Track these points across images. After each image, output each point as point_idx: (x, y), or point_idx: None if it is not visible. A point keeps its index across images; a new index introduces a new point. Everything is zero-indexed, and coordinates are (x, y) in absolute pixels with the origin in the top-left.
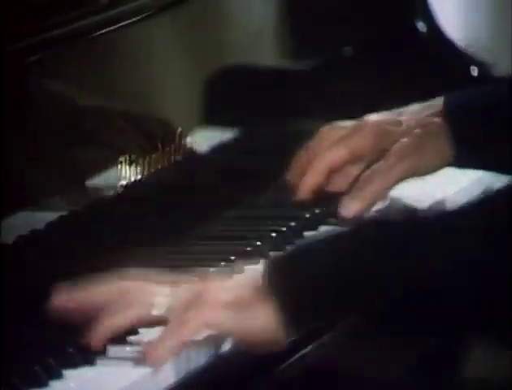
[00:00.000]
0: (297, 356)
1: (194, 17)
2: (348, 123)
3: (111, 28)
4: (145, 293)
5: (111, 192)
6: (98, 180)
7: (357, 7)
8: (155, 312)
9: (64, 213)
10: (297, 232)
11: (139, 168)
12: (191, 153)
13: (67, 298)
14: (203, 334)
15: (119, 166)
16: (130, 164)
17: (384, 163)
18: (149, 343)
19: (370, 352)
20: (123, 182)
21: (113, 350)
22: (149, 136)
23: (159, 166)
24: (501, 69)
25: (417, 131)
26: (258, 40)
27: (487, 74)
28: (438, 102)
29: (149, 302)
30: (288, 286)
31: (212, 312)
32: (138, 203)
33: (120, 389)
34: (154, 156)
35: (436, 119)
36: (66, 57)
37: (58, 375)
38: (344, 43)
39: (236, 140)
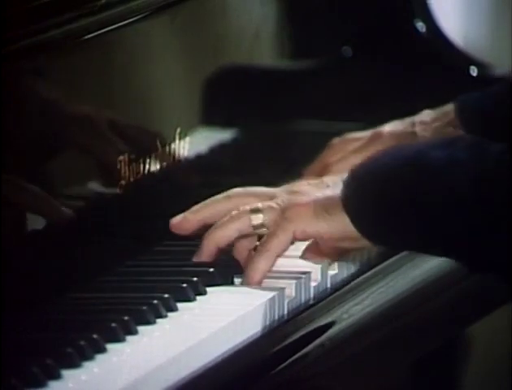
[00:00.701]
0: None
1: (192, 17)
2: (360, 134)
3: (109, 28)
4: (243, 211)
5: (111, 192)
6: (97, 180)
7: (356, 7)
8: (254, 222)
9: (62, 214)
10: None
11: (138, 168)
12: (190, 153)
13: (183, 221)
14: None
15: (119, 165)
16: (129, 164)
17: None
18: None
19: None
20: (123, 182)
21: (113, 349)
22: (148, 135)
23: (159, 166)
24: (500, 69)
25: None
26: (257, 40)
27: (486, 74)
28: (449, 109)
29: (248, 213)
30: (358, 205)
31: (299, 222)
32: (138, 202)
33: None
34: (153, 156)
35: (451, 129)
36: (64, 58)
37: (56, 376)
38: (343, 43)
39: (234, 141)
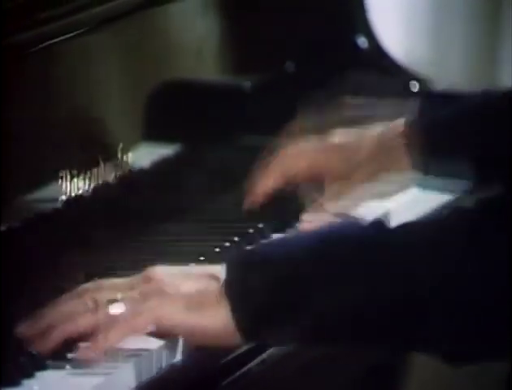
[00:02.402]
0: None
1: (134, 32)
2: (313, 140)
3: (50, 41)
4: (101, 292)
5: (51, 207)
6: (39, 195)
7: (298, 22)
8: (113, 310)
9: (4, 228)
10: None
11: (80, 183)
12: (132, 169)
13: (34, 325)
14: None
15: (60, 180)
16: (71, 179)
17: None
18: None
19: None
20: (64, 197)
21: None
22: (90, 150)
23: (100, 182)
24: (441, 84)
25: (375, 156)
26: (199, 55)
27: (427, 89)
28: (398, 124)
29: (105, 305)
30: (243, 291)
31: (167, 306)
32: (79, 218)
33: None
34: (94, 171)
35: (396, 141)
36: (4, 71)
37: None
38: (286, 58)
39: (177, 156)
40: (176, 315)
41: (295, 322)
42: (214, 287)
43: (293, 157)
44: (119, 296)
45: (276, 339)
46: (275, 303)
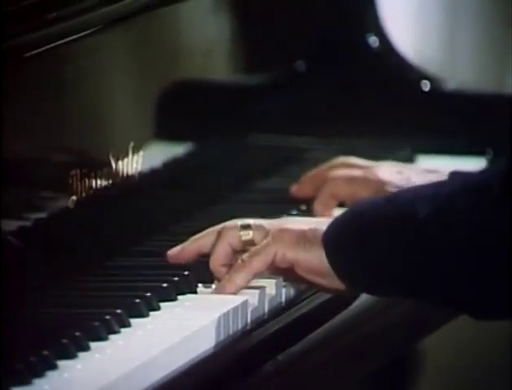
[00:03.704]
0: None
1: (145, 32)
2: (361, 163)
3: (61, 41)
4: (234, 226)
5: (62, 207)
6: (50, 194)
7: (309, 22)
8: (243, 238)
9: (15, 227)
10: None
11: (90, 183)
12: (143, 168)
13: (180, 253)
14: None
15: (70, 180)
16: (82, 178)
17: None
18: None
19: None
20: (74, 197)
21: (64, 366)
22: (101, 150)
23: (111, 181)
24: (452, 83)
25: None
26: (210, 54)
27: (438, 88)
28: (443, 170)
29: (237, 233)
30: (339, 239)
31: (281, 245)
32: (90, 217)
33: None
34: (105, 170)
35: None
36: (15, 72)
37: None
38: (297, 58)
39: (188, 155)
40: (288, 253)
41: (387, 267)
42: (320, 229)
43: (341, 182)
44: (251, 222)
45: (368, 284)
46: (367, 249)
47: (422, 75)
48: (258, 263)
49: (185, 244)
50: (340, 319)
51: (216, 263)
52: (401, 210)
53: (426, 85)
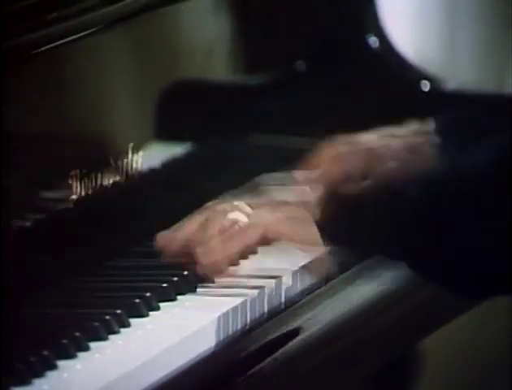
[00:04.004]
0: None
1: (145, 32)
2: (346, 141)
3: (61, 41)
4: (222, 210)
5: (62, 207)
6: (50, 194)
7: (309, 22)
8: (231, 216)
9: (15, 227)
10: None
11: (90, 183)
12: (143, 168)
13: (168, 241)
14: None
15: (70, 180)
16: (81, 179)
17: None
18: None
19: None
20: (74, 196)
21: (64, 366)
22: (101, 150)
23: (111, 181)
24: (451, 83)
25: (406, 157)
26: (210, 54)
27: (438, 88)
28: (425, 126)
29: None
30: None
31: (274, 220)
32: (90, 217)
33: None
34: (105, 170)
35: (425, 145)
36: (14, 72)
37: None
38: (297, 58)
39: (187, 155)
40: (280, 226)
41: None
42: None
43: (328, 161)
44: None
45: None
46: (357, 215)
47: (422, 75)
48: (252, 234)
49: (172, 231)
50: (340, 319)
51: (185, 236)
52: (391, 186)
53: (426, 85)
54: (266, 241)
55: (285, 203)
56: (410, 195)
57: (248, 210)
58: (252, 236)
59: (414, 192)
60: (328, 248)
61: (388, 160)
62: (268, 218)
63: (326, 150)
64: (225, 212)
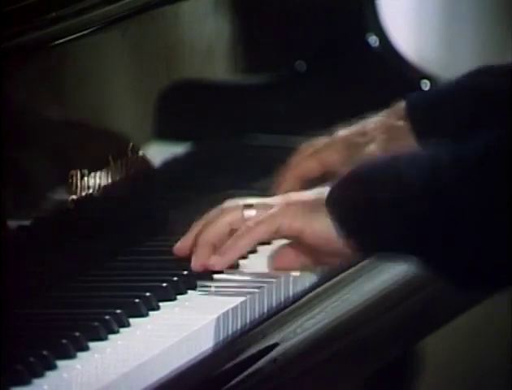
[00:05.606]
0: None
1: (144, 31)
2: (322, 139)
3: (59, 41)
4: (236, 206)
5: (61, 207)
6: (49, 194)
7: (309, 21)
8: (246, 216)
9: (15, 227)
10: None
11: (90, 182)
12: (142, 168)
13: (183, 244)
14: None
15: (70, 180)
16: (81, 178)
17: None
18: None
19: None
20: (74, 196)
21: (64, 366)
22: (100, 150)
23: (111, 181)
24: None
25: (381, 137)
26: (210, 54)
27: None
28: (399, 107)
29: (240, 208)
30: (342, 203)
31: (288, 215)
32: (90, 217)
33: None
34: (105, 170)
35: (399, 122)
36: (14, 71)
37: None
38: (297, 58)
39: (187, 155)
40: (294, 222)
41: (389, 225)
42: (322, 198)
43: (304, 158)
44: (253, 201)
45: (371, 241)
46: (368, 207)
47: (422, 75)
48: (263, 229)
49: (190, 232)
50: (340, 319)
51: (206, 238)
52: (399, 172)
53: (426, 85)
54: (277, 237)
55: (297, 197)
56: (415, 183)
57: (260, 205)
58: (266, 232)
59: (419, 180)
60: (341, 241)
61: (366, 144)
62: (281, 213)
63: (301, 149)
64: (239, 208)
